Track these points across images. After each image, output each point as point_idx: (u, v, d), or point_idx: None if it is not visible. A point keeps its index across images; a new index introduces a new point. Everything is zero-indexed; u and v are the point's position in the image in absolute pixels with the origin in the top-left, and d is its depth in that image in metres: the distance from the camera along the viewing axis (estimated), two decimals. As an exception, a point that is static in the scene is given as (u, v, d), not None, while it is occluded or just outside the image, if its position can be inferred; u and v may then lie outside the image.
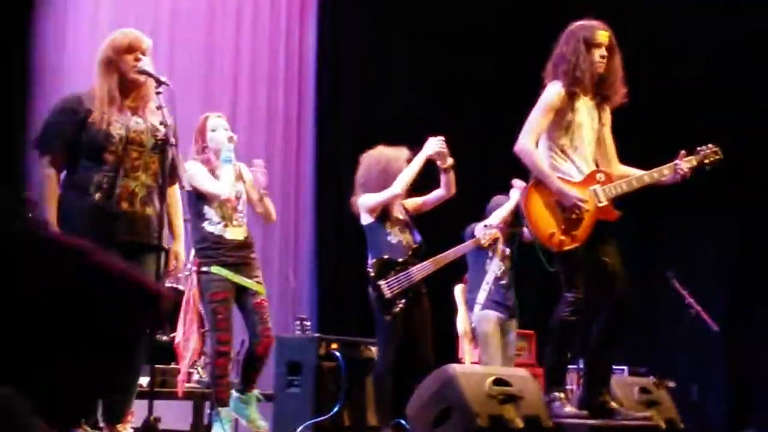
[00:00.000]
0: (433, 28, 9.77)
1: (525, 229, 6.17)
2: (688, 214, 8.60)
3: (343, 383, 6.28)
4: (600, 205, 4.64)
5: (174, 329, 6.61)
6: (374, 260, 5.80)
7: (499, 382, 4.21)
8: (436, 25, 9.75)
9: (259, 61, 9.40)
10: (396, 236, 5.87)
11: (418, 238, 5.95)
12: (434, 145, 5.73)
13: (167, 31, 8.57)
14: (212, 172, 5.30)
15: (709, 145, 4.82)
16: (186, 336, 5.24)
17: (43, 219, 4.10)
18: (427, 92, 9.63)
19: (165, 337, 6.54)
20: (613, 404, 4.66)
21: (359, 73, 9.76)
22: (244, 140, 8.99)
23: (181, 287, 6.97)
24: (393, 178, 5.82)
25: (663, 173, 4.74)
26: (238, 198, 5.35)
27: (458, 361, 6.83)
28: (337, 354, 6.37)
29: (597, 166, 4.79)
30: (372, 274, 5.76)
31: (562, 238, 4.61)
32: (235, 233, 5.30)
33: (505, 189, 6.87)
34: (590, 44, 4.66)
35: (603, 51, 4.68)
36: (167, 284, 6.70)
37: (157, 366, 5.26)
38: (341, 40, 9.86)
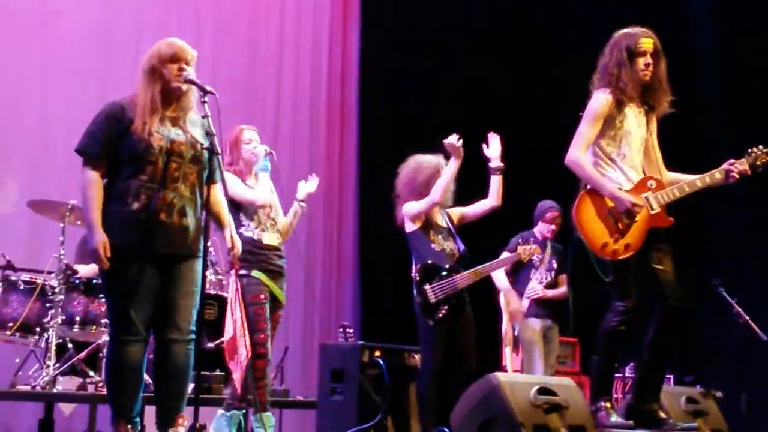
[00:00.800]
0: (479, 38, 9.77)
1: None
2: (735, 220, 8.48)
3: (387, 391, 6.26)
4: (653, 212, 4.60)
5: (217, 337, 6.67)
6: (419, 265, 5.83)
7: (544, 391, 4.18)
8: (481, 35, 9.75)
9: (302, 65, 9.48)
10: (439, 244, 5.92)
11: (462, 246, 5.97)
12: (450, 140, 5.81)
13: (210, 44, 8.67)
14: (243, 182, 5.44)
15: (760, 147, 4.75)
16: (236, 339, 5.26)
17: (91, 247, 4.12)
18: (472, 100, 9.63)
19: (210, 344, 6.59)
20: (661, 414, 4.62)
21: (402, 82, 9.78)
22: (287, 150, 9.11)
23: (225, 294, 7.03)
24: (419, 188, 5.92)
25: (715, 177, 4.69)
26: (271, 207, 5.50)
27: (501, 368, 6.81)
28: (380, 361, 6.36)
29: (644, 173, 4.74)
30: (417, 279, 5.80)
31: (616, 247, 4.56)
32: (271, 239, 5.46)
33: (553, 196, 6.87)
34: (633, 53, 4.63)
35: (647, 59, 4.64)
36: (211, 291, 6.78)
37: (202, 373, 5.29)
38: (382, 50, 9.90)
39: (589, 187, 4.67)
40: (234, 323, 5.20)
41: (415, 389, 6.12)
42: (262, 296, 5.34)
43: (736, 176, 4.67)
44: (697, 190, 4.68)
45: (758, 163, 4.72)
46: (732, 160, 4.70)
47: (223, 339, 5.51)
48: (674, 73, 4.79)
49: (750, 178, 4.74)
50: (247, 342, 5.16)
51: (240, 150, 5.48)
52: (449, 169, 5.85)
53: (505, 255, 6.52)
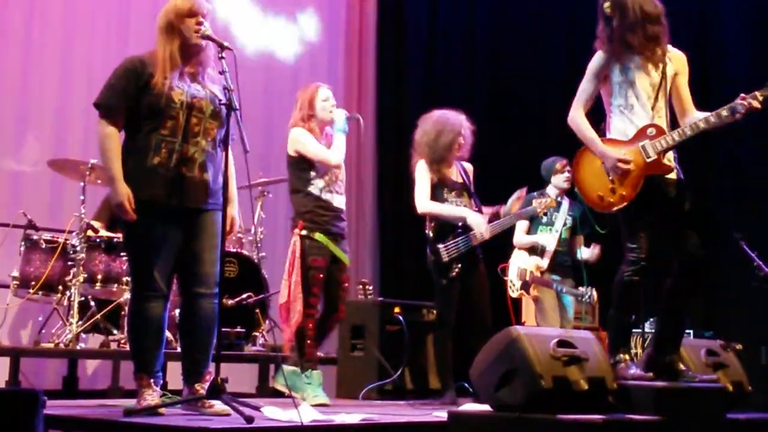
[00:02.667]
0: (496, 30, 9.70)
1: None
2: (753, 172, 8.41)
3: (406, 346, 6.30)
4: (649, 160, 4.56)
5: (237, 294, 6.72)
6: (433, 223, 5.82)
7: (563, 343, 4.18)
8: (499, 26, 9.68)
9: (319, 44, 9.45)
10: (453, 201, 5.87)
11: (477, 202, 5.93)
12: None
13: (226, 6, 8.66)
14: (316, 140, 5.43)
15: None
16: (292, 298, 5.31)
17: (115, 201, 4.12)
18: (487, 80, 9.59)
19: (231, 301, 6.64)
20: (681, 366, 4.62)
21: (422, 62, 9.74)
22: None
23: (245, 252, 7.07)
24: (441, 149, 5.80)
25: (721, 115, 4.53)
26: (340, 168, 5.52)
27: (520, 323, 6.82)
28: (400, 317, 6.39)
29: (667, 119, 4.68)
30: (430, 237, 5.80)
31: (611, 199, 4.60)
32: (339, 201, 5.48)
33: (562, 153, 6.78)
34: (604, 16, 4.64)
35: (614, 20, 4.62)
36: (231, 249, 6.82)
37: (222, 329, 5.33)
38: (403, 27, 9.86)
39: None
40: (289, 286, 5.26)
41: (433, 345, 6.15)
42: (321, 262, 5.35)
43: (743, 112, 4.46)
44: (701, 131, 4.56)
45: None
46: (743, 95, 4.50)
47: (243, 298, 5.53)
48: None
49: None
50: (299, 305, 5.22)
51: (314, 107, 5.48)
52: (455, 212, 5.79)
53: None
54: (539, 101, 9.01)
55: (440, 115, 5.93)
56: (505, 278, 6.91)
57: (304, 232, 5.36)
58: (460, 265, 5.75)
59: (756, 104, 4.47)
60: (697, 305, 7.68)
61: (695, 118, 4.65)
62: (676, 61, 4.74)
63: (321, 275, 5.35)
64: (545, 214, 6.63)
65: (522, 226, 6.88)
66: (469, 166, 6.08)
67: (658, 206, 4.59)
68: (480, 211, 5.90)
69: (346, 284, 5.57)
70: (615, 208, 4.60)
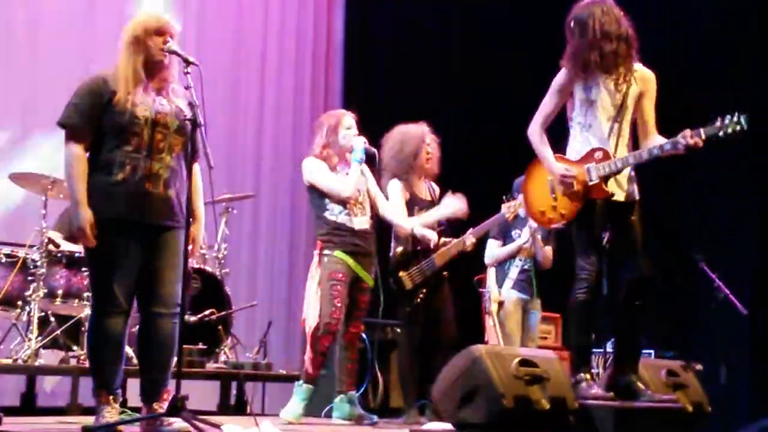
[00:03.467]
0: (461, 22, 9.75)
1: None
2: (714, 195, 8.52)
3: (369, 364, 6.29)
4: (590, 183, 4.62)
5: (200, 310, 6.68)
6: (399, 248, 5.79)
7: (525, 363, 4.21)
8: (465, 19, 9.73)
9: (287, 51, 9.47)
10: None
11: (443, 222, 5.91)
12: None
13: (194, 21, 8.66)
14: (332, 169, 5.49)
15: (729, 116, 4.46)
16: (315, 314, 5.30)
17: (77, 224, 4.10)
18: (455, 86, 9.64)
19: (192, 318, 6.60)
20: (640, 385, 4.64)
21: (388, 69, 9.76)
22: (272, 106, 9.16)
23: (208, 268, 7.04)
24: (407, 159, 5.78)
25: (663, 148, 4.58)
26: (359, 191, 5.53)
27: (483, 341, 6.82)
28: (363, 335, 6.38)
29: (629, 141, 4.72)
30: (393, 263, 5.78)
31: (551, 216, 4.76)
32: (360, 222, 5.50)
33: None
34: (580, 23, 4.68)
35: (575, 37, 4.68)
36: (194, 265, 6.78)
37: (184, 346, 5.28)
38: (369, 33, 9.89)
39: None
40: (314, 298, 5.26)
41: (397, 364, 6.13)
42: (340, 275, 5.37)
43: (682, 149, 4.50)
44: (644, 161, 4.63)
45: (722, 133, 4.46)
46: (686, 131, 4.52)
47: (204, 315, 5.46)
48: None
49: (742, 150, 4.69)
50: (318, 316, 5.21)
51: (338, 134, 5.52)
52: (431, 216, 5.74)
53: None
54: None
55: (401, 128, 5.92)
56: (481, 290, 6.87)
57: (325, 251, 5.42)
58: (424, 290, 5.73)
59: (699, 142, 4.51)
60: (658, 325, 7.76)
61: (650, 144, 4.69)
62: (643, 81, 4.75)
63: (341, 288, 5.36)
64: (515, 219, 6.55)
65: (494, 243, 6.84)
66: (436, 187, 6.06)
67: (603, 226, 4.66)
68: (444, 227, 5.88)
69: (364, 308, 5.56)
70: (554, 225, 4.83)
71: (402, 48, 9.84)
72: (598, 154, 4.65)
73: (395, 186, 5.81)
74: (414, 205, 5.84)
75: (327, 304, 5.34)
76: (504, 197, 6.20)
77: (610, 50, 4.62)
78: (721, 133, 4.48)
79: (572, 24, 4.72)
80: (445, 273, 5.84)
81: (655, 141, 4.69)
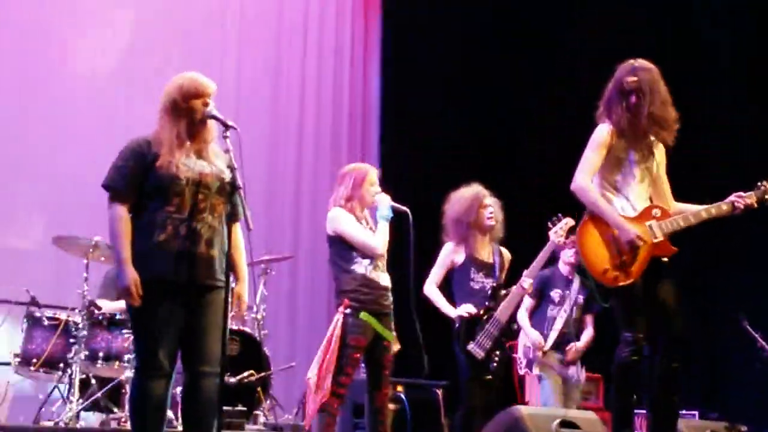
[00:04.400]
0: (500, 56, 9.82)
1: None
2: (756, 254, 8.44)
3: (408, 426, 6.24)
4: (656, 240, 4.59)
5: (239, 372, 6.68)
6: (458, 325, 5.76)
7: (566, 424, 4.17)
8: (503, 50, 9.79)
9: (323, 114, 9.57)
10: (478, 282, 5.85)
11: (496, 277, 5.91)
12: None
13: (233, 82, 8.79)
14: (357, 220, 5.37)
15: None
16: (322, 374, 5.22)
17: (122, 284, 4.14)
18: (490, 120, 9.66)
19: (232, 379, 6.61)
20: (680, 447, 4.58)
21: (423, 100, 9.81)
22: (310, 170, 9.24)
23: (247, 330, 7.06)
24: (463, 219, 5.81)
25: (721, 209, 4.69)
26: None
27: (523, 402, 6.77)
28: (402, 396, 6.34)
29: (651, 202, 4.75)
30: (458, 339, 5.73)
31: (617, 273, 4.58)
32: (385, 279, 5.39)
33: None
34: (623, 90, 4.68)
35: (632, 98, 4.65)
36: (233, 327, 6.80)
37: (223, 407, 5.28)
38: (404, 90, 9.97)
39: (591, 213, 4.70)
40: (322, 362, 5.17)
41: (457, 423, 5.88)
42: (363, 341, 5.24)
43: (742, 208, 4.68)
44: (702, 221, 4.68)
45: (767, 197, 4.73)
46: (740, 193, 4.70)
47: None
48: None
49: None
50: (329, 382, 5.14)
51: (363, 189, 5.41)
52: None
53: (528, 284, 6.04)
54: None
55: (458, 191, 5.97)
56: (514, 355, 6.84)
57: (348, 311, 5.25)
58: (498, 352, 5.71)
59: (754, 203, 4.70)
60: (702, 386, 7.65)
61: (683, 207, 4.75)
62: (660, 150, 4.81)
63: (358, 355, 5.24)
64: (555, 278, 6.51)
65: (527, 304, 6.79)
66: (505, 252, 6.05)
67: (654, 287, 4.61)
68: (499, 283, 5.87)
69: (390, 367, 5.41)
70: (621, 283, 4.57)
71: (437, 105, 9.92)
72: (656, 212, 4.66)
73: (444, 248, 5.86)
74: (471, 267, 5.85)
75: (342, 371, 5.19)
76: (549, 222, 6.10)
77: (669, 116, 4.65)
78: (767, 197, 4.72)
79: (634, 82, 4.65)
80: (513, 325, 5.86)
81: (686, 206, 4.77)
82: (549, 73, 9.77)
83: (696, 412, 7.49)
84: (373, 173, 5.49)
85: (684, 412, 6.94)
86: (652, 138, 4.72)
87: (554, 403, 6.57)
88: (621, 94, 4.68)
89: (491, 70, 9.86)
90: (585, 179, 4.67)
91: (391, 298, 5.42)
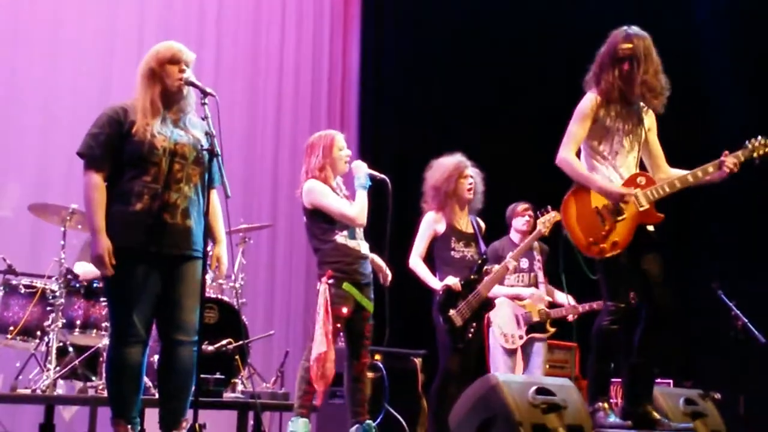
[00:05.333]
0: (481, 48, 9.79)
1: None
2: (736, 220, 8.48)
3: (386, 394, 6.27)
4: (641, 209, 4.58)
5: (217, 340, 6.69)
6: (441, 292, 5.77)
7: (542, 391, 4.20)
8: (484, 44, 9.77)
9: (302, 83, 9.53)
10: (459, 251, 5.87)
11: (483, 249, 5.94)
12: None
13: (211, 51, 8.74)
14: (332, 190, 5.32)
15: (759, 138, 4.61)
16: (326, 354, 5.19)
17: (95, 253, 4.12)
18: (471, 112, 9.65)
19: (210, 348, 6.61)
20: (656, 415, 4.61)
21: (401, 91, 9.80)
22: (289, 138, 9.21)
23: (225, 298, 7.06)
24: (443, 189, 5.82)
25: (707, 171, 4.60)
26: None
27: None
28: (380, 365, 6.37)
29: (640, 170, 4.74)
30: (440, 305, 5.75)
31: (603, 245, 4.58)
32: (365, 248, 5.37)
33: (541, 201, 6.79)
34: (614, 57, 4.64)
35: (626, 65, 4.61)
36: (211, 295, 6.80)
37: (201, 375, 5.29)
38: (383, 60, 9.95)
39: (575, 186, 4.70)
40: (326, 336, 5.15)
41: (432, 392, 5.92)
42: (346, 311, 5.23)
43: (730, 167, 4.55)
44: (689, 185, 4.61)
45: (756, 155, 4.59)
46: (726, 152, 4.60)
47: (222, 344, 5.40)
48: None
49: (754, 175, 4.69)
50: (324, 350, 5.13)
51: (333, 154, 5.36)
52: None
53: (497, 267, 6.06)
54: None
55: (438, 160, 5.96)
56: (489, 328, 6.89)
57: (331, 281, 5.23)
58: (475, 324, 5.74)
59: (738, 166, 4.57)
60: (676, 354, 7.71)
61: (676, 173, 4.69)
62: (650, 116, 4.79)
63: (339, 325, 5.24)
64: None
65: None
66: (481, 222, 6.07)
67: (641, 256, 4.61)
68: (485, 255, 5.91)
69: (369, 336, 5.43)
70: (607, 255, 4.57)
71: (416, 78, 9.89)
72: (641, 180, 4.62)
73: (425, 219, 5.86)
74: (451, 236, 5.86)
75: (322, 340, 5.18)
76: (538, 212, 6.22)
77: (659, 82, 4.62)
78: (755, 155, 4.57)
79: (628, 49, 4.61)
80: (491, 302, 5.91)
81: (676, 171, 4.70)
82: (532, 44, 9.75)
83: (671, 381, 7.55)
84: (339, 137, 5.45)
85: (659, 380, 6.99)
86: (642, 105, 4.70)
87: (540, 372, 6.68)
88: (614, 61, 4.64)
89: (473, 36, 9.82)
90: (569, 152, 4.66)
91: (370, 268, 5.42)
